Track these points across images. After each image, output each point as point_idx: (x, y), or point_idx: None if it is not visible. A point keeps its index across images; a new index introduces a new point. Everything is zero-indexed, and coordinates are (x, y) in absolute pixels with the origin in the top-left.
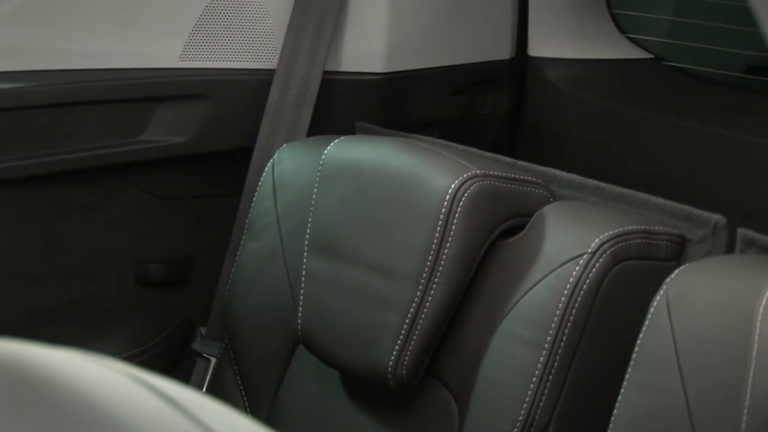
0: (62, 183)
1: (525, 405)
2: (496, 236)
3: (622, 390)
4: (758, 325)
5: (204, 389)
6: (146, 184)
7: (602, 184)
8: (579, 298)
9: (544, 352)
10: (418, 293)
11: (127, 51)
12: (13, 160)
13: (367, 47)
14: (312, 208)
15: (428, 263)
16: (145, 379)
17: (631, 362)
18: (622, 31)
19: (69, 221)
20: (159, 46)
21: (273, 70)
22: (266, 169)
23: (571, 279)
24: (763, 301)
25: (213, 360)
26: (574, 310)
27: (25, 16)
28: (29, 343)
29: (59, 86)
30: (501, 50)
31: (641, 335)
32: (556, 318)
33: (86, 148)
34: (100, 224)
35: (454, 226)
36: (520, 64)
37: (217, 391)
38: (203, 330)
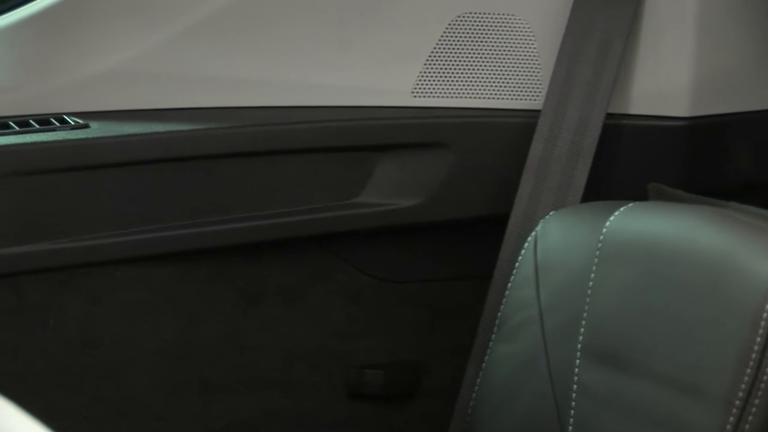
0: (252, 259)
1: None
2: None
3: None
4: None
5: None
6: (363, 262)
7: None
8: None
9: None
10: (732, 419)
11: (343, 83)
12: (188, 226)
13: (667, 83)
14: (587, 299)
15: (745, 379)
16: None
17: None
18: None
19: (260, 311)
20: (385, 78)
21: (537, 111)
22: (526, 245)
23: None
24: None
25: None
26: None
27: (207, 34)
28: None
29: (251, 129)
30: None
31: None
32: None
33: (285, 213)
34: (300, 315)
35: None
36: None
37: None
38: None
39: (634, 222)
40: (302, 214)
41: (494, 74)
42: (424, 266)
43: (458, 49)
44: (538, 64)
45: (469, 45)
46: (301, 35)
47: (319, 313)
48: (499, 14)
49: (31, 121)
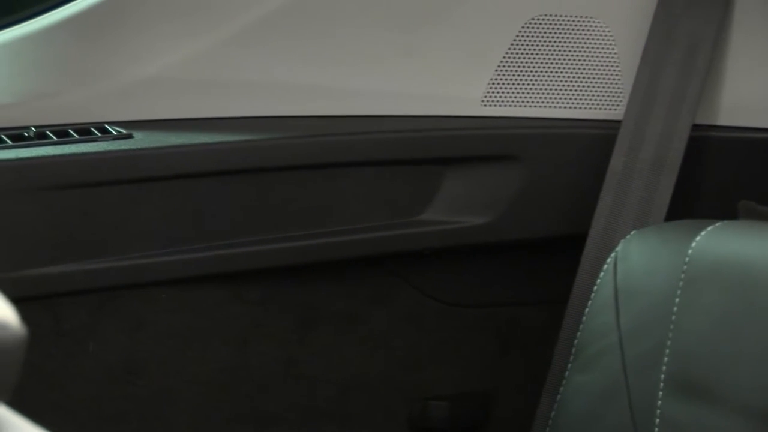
0: (307, 281)
1: None
2: None
3: None
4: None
5: None
6: (428, 284)
7: None
8: None
9: None
10: None
11: (406, 91)
12: (238, 245)
13: (758, 92)
14: (672, 326)
15: None
16: None
17: None
18: None
19: (315, 337)
20: (452, 85)
21: (618, 121)
22: (605, 267)
23: None
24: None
25: None
26: None
27: (259, 38)
28: None
29: (306, 140)
30: None
31: None
32: None
33: (342, 231)
34: (359, 342)
35: None
36: None
37: None
38: None
39: (722, 243)
40: (361, 232)
41: (571, 81)
42: (494, 290)
43: (532, 54)
44: (619, 71)
45: (544, 50)
46: (362, 38)
47: (380, 340)
48: (576, 16)
49: (70, 130)
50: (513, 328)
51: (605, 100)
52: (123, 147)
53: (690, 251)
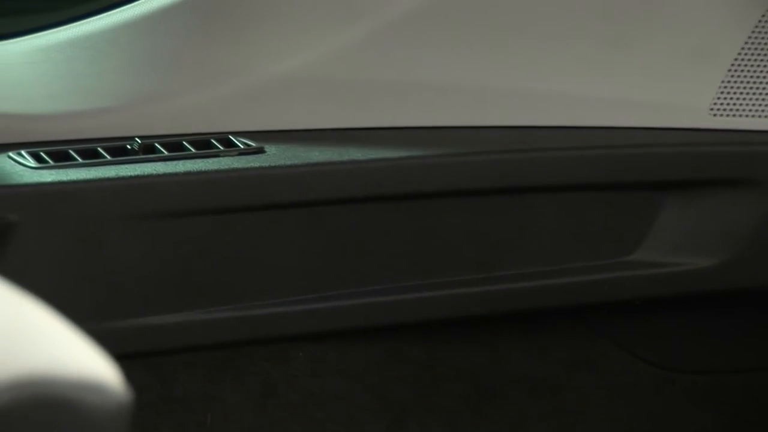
0: (484, 337)
1: None
2: None
3: None
4: None
5: None
6: (639, 344)
7: None
8: None
9: None
10: None
11: (613, 96)
12: (395, 291)
13: None
14: None
15: None
16: None
17: None
18: None
19: (496, 407)
20: (673, 90)
21: None
22: None
23: None
24: None
25: None
26: None
27: (417, 30)
28: None
29: (480, 158)
30: None
31: None
32: None
33: (529, 275)
34: (552, 415)
35: None
36: None
37: None
38: None
39: None
40: (554, 276)
41: None
42: (724, 351)
43: None
44: None
45: None
46: (557, 30)
47: (579, 413)
48: None
49: (184, 142)
50: (748, 400)
51: None
52: (253, 164)
53: None
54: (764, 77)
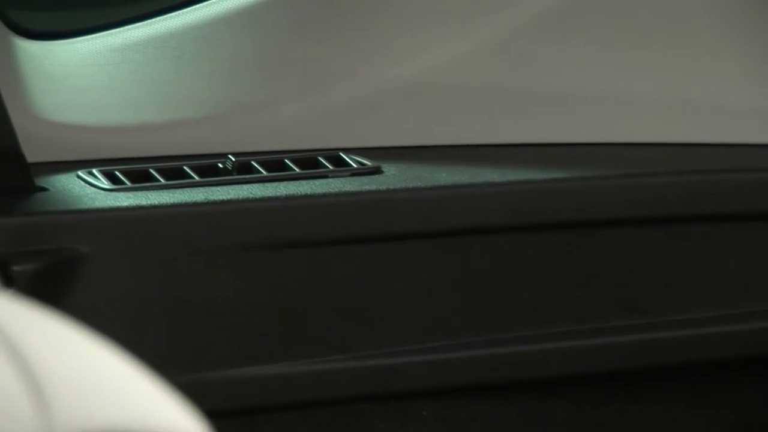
0: (643, 393)
1: None
2: None
3: None
4: None
5: None
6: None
7: None
8: None
9: None
10: None
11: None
12: (537, 338)
13: None
14: None
15: None
16: None
17: None
18: None
19: None
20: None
21: None
22: None
23: None
24: None
25: None
26: None
27: (556, 29)
28: None
29: (641, 182)
30: None
31: None
32: None
33: (696, 321)
34: None
35: None
36: None
37: None
38: None
39: None
40: (727, 322)
41: None
42: None
43: None
44: None
45: None
46: (717, 34)
47: None
48: None
49: (286, 160)
50: None
51: None
52: (368, 187)
53: None
54: None
